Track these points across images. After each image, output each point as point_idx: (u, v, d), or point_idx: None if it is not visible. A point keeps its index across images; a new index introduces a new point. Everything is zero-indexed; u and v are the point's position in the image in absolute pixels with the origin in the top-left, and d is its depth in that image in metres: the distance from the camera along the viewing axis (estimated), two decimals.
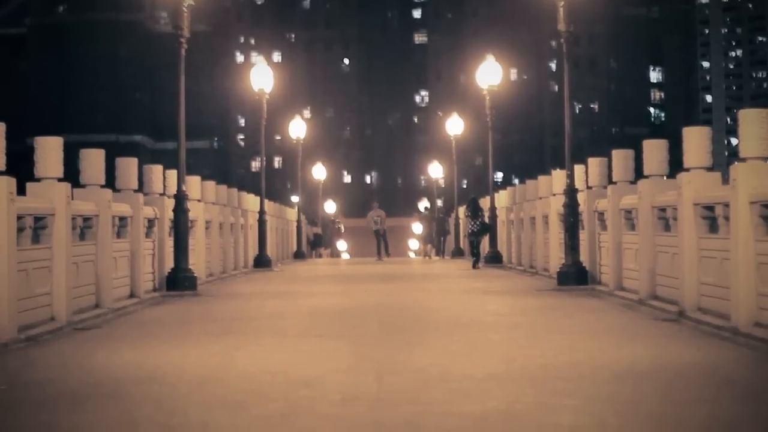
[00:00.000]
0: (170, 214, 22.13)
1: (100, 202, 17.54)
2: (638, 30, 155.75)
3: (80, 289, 16.29)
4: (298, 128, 52.72)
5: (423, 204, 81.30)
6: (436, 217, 52.56)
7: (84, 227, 16.84)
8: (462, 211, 41.15)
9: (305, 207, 61.73)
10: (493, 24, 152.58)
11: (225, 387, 9.34)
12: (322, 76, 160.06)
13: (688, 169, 15.65)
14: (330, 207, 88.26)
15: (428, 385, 9.29)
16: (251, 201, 35.74)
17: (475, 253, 34.17)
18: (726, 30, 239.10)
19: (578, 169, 23.47)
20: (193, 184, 25.89)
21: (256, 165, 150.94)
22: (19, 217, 13.54)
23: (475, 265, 33.39)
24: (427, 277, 29.54)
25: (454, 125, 51.56)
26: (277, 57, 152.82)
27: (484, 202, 38.00)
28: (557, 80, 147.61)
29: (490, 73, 36.25)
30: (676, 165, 16.74)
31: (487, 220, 35.16)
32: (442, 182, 78.20)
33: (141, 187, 21.15)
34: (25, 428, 7.89)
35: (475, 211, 34.14)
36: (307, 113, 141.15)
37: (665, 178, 18.09)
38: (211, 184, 28.54)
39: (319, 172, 71.48)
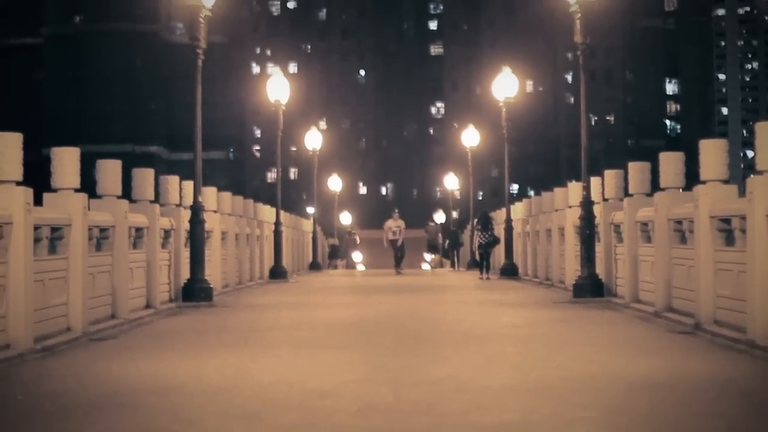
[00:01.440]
0: (186, 225, 22.16)
1: (117, 213, 17.58)
2: (654, 42, 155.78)
3: (96, 300, 16.33)
4: (313, 139, 52.83)
5: (438, 216, 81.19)
6: (450, 229, 52.58)
7: (100, 238, 16.88)
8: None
9: (321, 218, 61.75)
10: (509, 36, 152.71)
11: (241, 397, 9.34)
12: (338, 87, 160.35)
13: (704, 182, 15.61)
14: (345, 218, 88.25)
15: (444, 397, 9.28)
16: (267, 212, 35.78)
17: (485, 264, 34.43)
18: (742, 42, 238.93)
19: (594, 181, 23.48)
20: (209, 195, 25.93)
21: (271, 176, 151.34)
22: (36, 228, 13.57)
23: (483, 276, 33.72)
24: (441, 288, 29.51)
25: (470, 137, 51.54)
26: (293, 68, 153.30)
27: (500, 214, 38.22)
28: (573, 92, 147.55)
29: (506, 85, 36.25)
30: (692, 177, 16.72)
31: (497, 232, 35.49)
32: (457, 194, 78.13)
33: (157, 198, 21.21)
34: None
35: (485, 224, 34.47)
36: (323, 124, 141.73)
37: (681, 190, 18.06)
38: (227, 195, 28.58)
39: (334, 183, 71.50)
